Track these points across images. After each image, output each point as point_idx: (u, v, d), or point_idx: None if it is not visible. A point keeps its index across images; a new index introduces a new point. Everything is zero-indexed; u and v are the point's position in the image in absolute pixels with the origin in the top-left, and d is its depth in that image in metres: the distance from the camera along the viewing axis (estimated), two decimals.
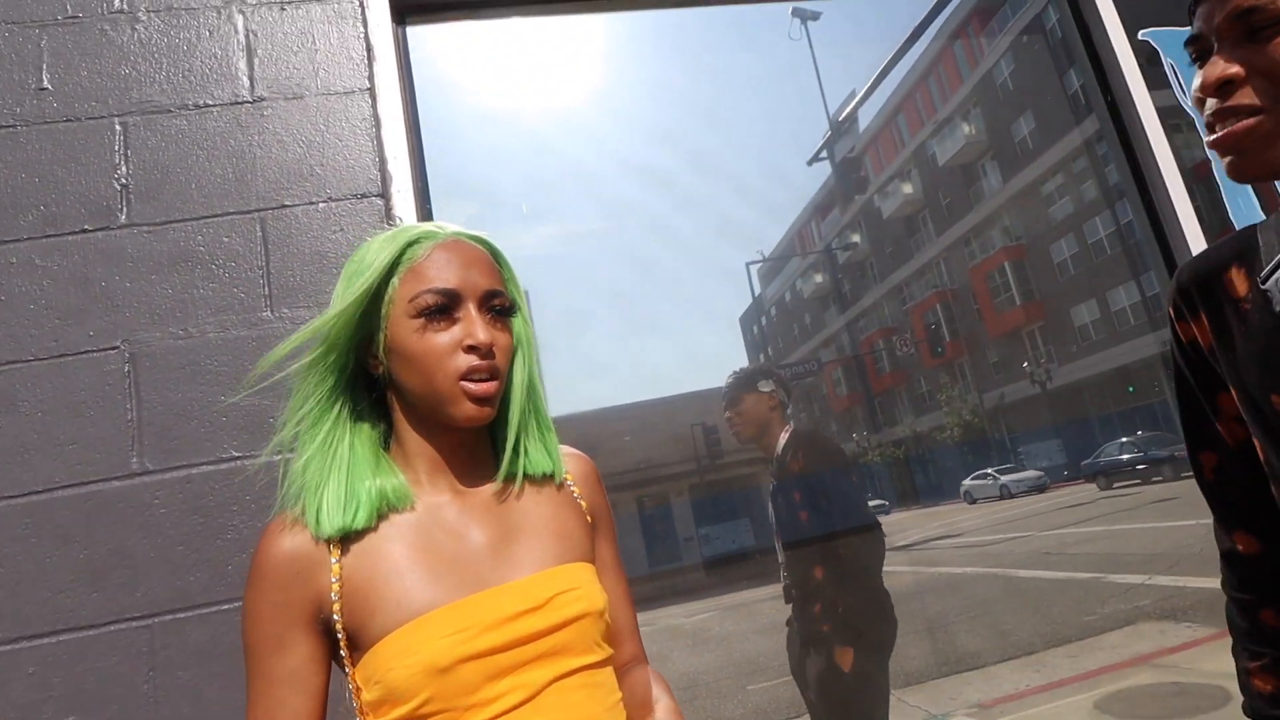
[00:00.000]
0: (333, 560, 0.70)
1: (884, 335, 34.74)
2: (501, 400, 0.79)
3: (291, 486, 0.74)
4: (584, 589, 0.74)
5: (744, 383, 2.31)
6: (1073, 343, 25.54)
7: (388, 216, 1.26)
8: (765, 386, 2.27)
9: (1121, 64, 1.83)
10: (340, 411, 0.76)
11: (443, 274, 0.75)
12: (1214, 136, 0.71)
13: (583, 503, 0.85)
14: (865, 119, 34.47)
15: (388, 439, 0.80)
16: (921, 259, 32.37)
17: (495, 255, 0.82)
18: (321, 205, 1.26)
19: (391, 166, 1.30)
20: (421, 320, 0.73)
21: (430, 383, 0.73)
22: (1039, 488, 19.17)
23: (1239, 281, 0.80)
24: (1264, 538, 0.86)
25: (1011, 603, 7.08)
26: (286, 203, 1.26)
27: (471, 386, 0.73)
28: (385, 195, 1.28)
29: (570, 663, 0.71)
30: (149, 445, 1.13)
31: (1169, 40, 1.92)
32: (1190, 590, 5.60)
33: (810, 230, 41.24)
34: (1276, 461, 0.77)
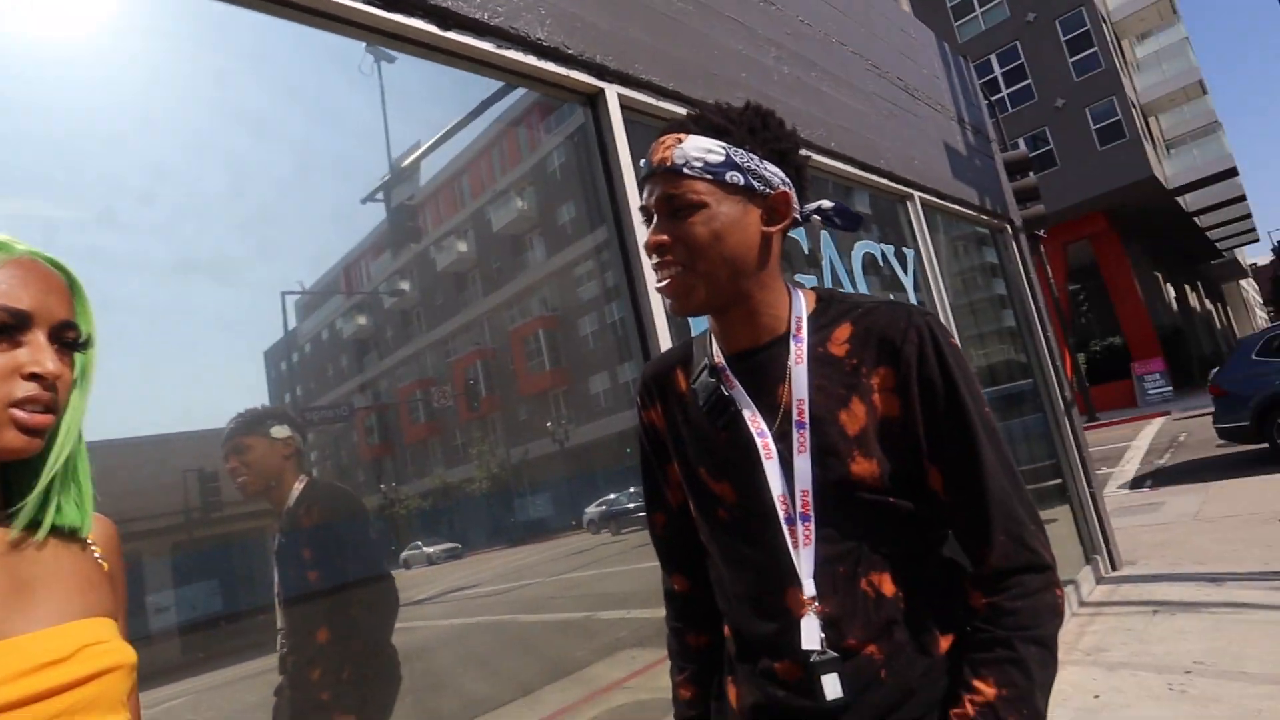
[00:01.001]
0: None
1: (423, 386, 34.97)
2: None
3: None
4: (112, 643, 0.71)
5: (253, 425, 1.99)
6: (588, 407, 29.21)
7: None
8: (279, 432, 2.00)
9: (627, 185, 2.18)
10: None
11: (14, 293, 0.68)
12: (659, 284, 0.93)
13: (104, 565, 0.80)
14: (428, 172, 35.15)
15: None
16: (468, 315, 33.73)
17: (73, 285, 0.76)
18: None
19: None
20: None
21: None
22: (455, 556, 21.06)
23: (681, 380, 1.05)
24: (692, 579, 1.11)
25: (515, 647, 7.53)
26: None
27: (23, 415, 0.67)
28: None
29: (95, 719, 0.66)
30: None
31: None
32: (655, 620, 6.66)
33: (359, 269, 39.87)
34: (702, 519, 1.01)
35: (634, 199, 2.22)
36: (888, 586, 0.90)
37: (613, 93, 2.24)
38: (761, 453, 0.92)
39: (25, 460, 0.72)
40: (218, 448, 2.02)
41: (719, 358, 1.00)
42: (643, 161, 0.95)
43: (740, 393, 0.96)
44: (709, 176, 0.90)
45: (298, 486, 2.01)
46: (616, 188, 2.22)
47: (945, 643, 0.91)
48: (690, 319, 2.22)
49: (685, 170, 0.92)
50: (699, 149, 0.91)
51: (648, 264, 2.16)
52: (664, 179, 0.92)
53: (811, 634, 0.88)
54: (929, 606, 0.91)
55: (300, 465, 2.06)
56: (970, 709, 0.84)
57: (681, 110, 2.41)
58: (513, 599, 10.49)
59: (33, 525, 0.73)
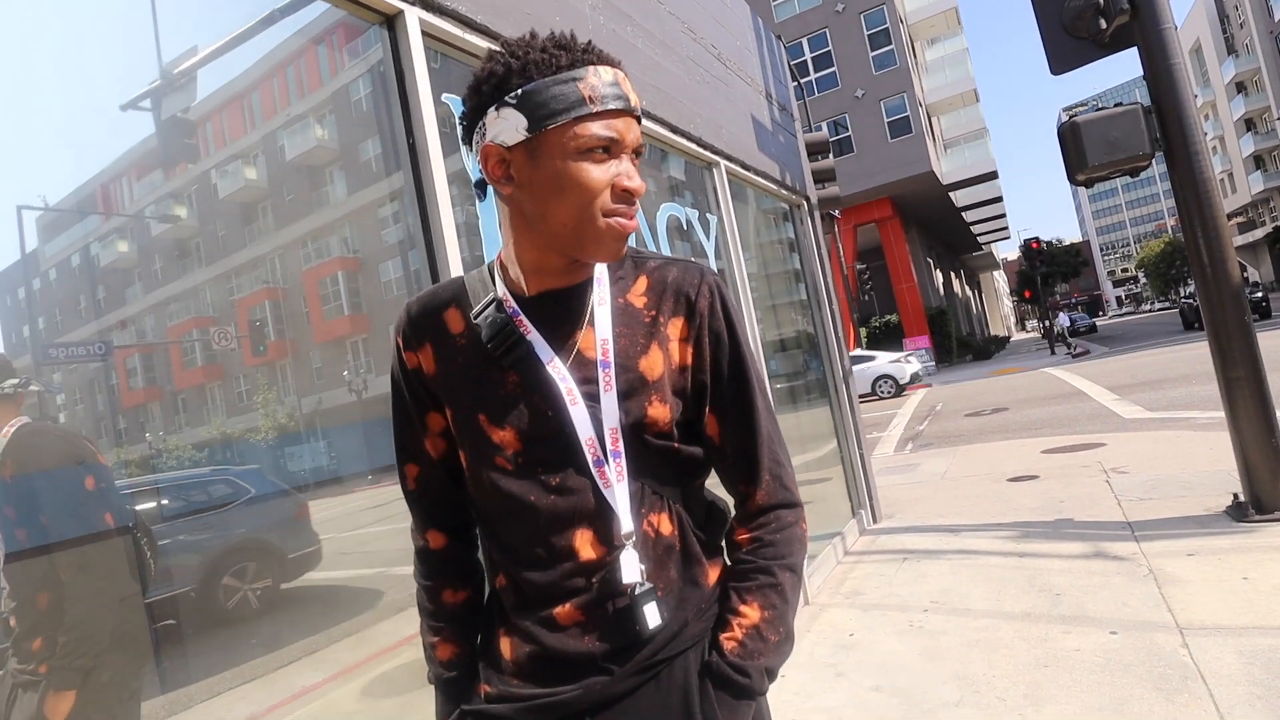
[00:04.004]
0: None
1: (200, 325, 31.53)
2: None
3: None
4: None
5: None
6: (388, 356, 27.85)
7: None
8: (8, 387, 1.80)
9: (425, 122, 2.04)
10: None
11: None
12: (621, 226, 0.89)
13: None
14: (209, 84, 31.25)
15: None
16: (256, 250, 30.74)
17: None
18: None
19: None
20: None
21: None
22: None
23: (454, 321, 1.00)
24: (451, 534, 1.08)
25: (309, 606, 7.14)
26: None
27: None
28: None
29: None
30: None
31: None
32: None
33: (119, 188, 34.80)
34: (477, 467, 0.97)
35: (433, 136, 2.08)
36: (665, 525, 0.95)
37: (414, 15, 2.07)
38: (565, 397, 0.92)
39: None
40: None
41: (508, 298, 0.97)
42: (605, 86, 0.86)
43: (536, 335, 0.95)
44: None
45: (6, 432, 1.78)
46: (415, 124, 2.07)
47: (712, 575, 0.99)
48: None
49: (640, 118, 0.94)
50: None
51: (446, 212, 2.05)
52: (635, 121, 0.91)
53: (632, 566, 0.90)
54: (697, 543, 0.98)
55: (13, 409, 1.81)
56: (739, 631, 0.92)
57: (487, 45, 2.28)
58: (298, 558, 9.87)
59: None
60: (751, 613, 0.93)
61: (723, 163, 4.26)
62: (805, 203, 5.86)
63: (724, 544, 1.04)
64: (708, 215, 4.06)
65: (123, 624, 1.82)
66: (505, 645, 0.98)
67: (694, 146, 3.91)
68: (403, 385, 1.05)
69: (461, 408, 0.98)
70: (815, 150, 6.60)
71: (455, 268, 1.99)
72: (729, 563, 1.01)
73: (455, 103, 2.18)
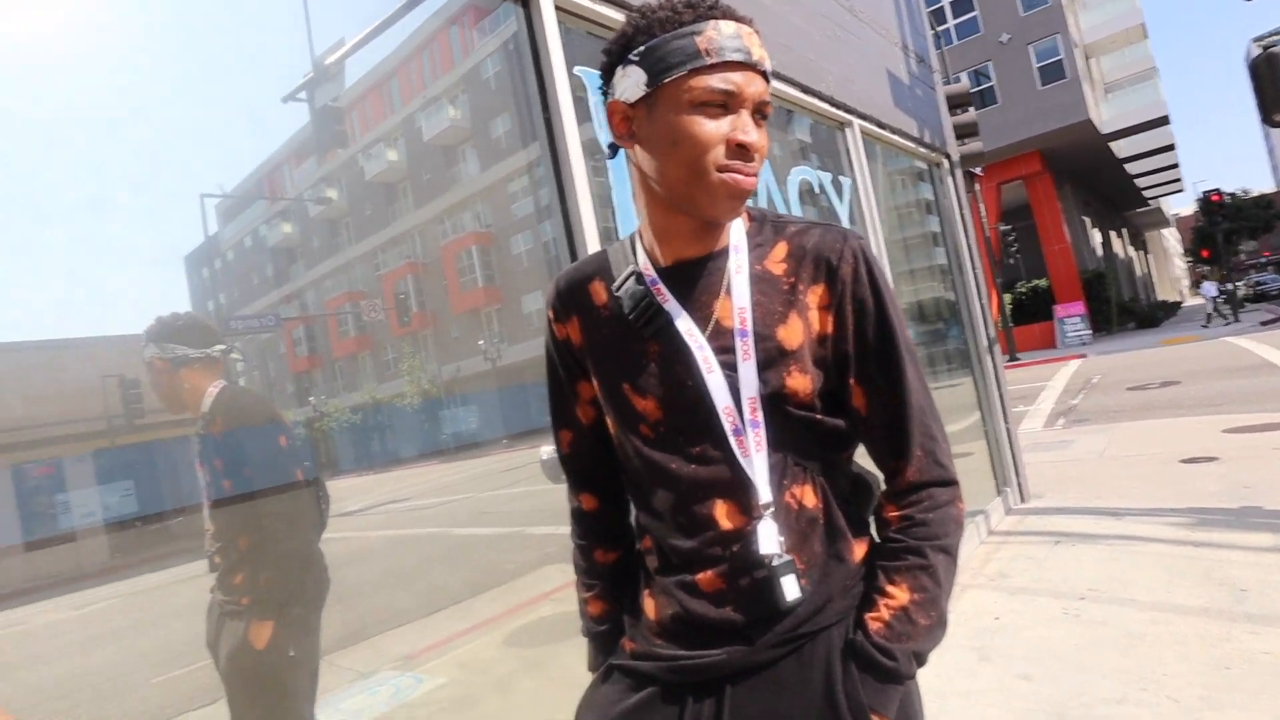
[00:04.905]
0: None
1: (352, 299, 34.00)
2: None
3: None
4: None
5: (191, 341, 2.00)
6: (521, 326, 28.97)
7: None
8: (216, 351, 2.03)
9: (560, 96, 2.07)
10: None
11: None
12: (741, 183, 0.88)
13: None
14: (355, 73, 33.23)
15: None
16: (398, 228, 32.67)
17: None
18: None
19: None
20: None
21: None
22: None
23: (599, 293, 1.02)
24: (602, 497, 1.12)
25: (447, 558, 7.65)
26: None
27: None
28: None
29: None
30: None
31: (595, 80, 2.24)
32: None
33: (283, 175, 37.82)
34: (624, 435, 1.00)
35: (568, 109, 2.11)
36: (809, 498, 0.94)
37: None
38: (701, 365, 0.92)
39: None
40: (139, 353, 2.00)
41: (648, 268, 0.98)
42: (724, 39, 0.86)
43: (675, 304, 0.95)
44: None
45: (212, 392, 2.01)
46: (550, 98, 2.10)
47: (858, 551, 0.96)
48: (623, 234, 2.16)
49: (769, 76, 0.92)
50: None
51: (582, 182, 2.08)
52: (761, 79, 0.90)
53: (769, 537, 0.90)
54: (843, 517, 0.96)
55: (215, 371, 2.04)
56: (885, 612, 0.90)
57: (619, 17, 2.28)
58: (444, 512, 10.60)
59: None
60: (900, 594, 0.90)
61: (856, 122, 4.08)
62: (945, 160, 5.52)
63: (871, 520, 1.01)
64: (840, 178, 3.91)
65: (309, 566, 2.04)
66: (650, 605, 1.00)
67: (825, 106, 3.76)
68: (555, 356, 1.08)
69: (607, 377, 1.00)
70: (956, 103, 6.18)
71: (591, 238, 2.02)
72: (877, 540, 0.98)
73: (587, 75, 2.20)
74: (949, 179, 5.51)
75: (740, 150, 0.87)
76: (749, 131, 0.87)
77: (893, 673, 0.88)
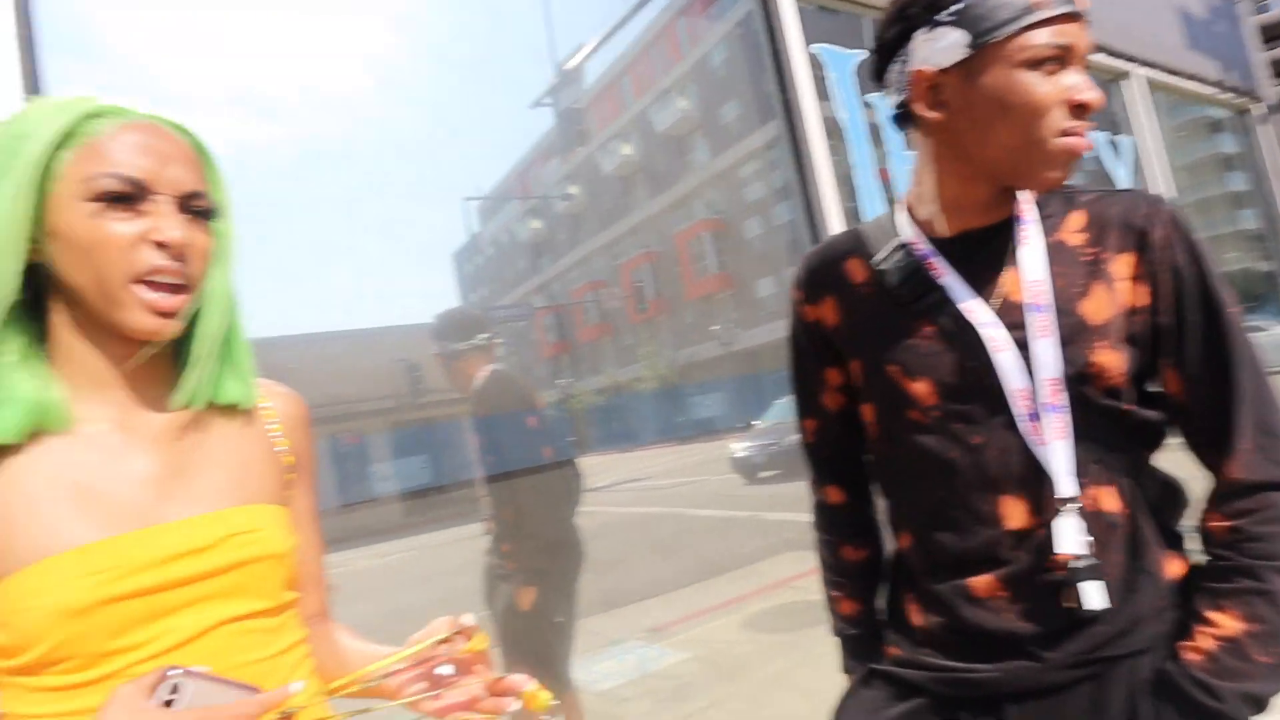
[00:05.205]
0: None
1: (594, 288, 36.19)
2: (193, 313, 0.69)
3: None
4: (264, 531, 0.69)
5: (464, 332, 2.27)
6: (755, 311, 28.98)
7: None
8: (481, 339, 2.28)
9: (798, 76, 2.04)
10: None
11: (133, 159, 0.63)
12: (1075, 147, 0.80)
13: (285, 443, 0.78)
14: (592, 74, 35.20)
15: (47, 342, 0.67)
16: (634, 219, 34.14)
17: (200, 150, 0.70)
18: None
19: None
20: (97, 205, 0.61)
21: (101, 280, 0.62)
22: None
23: (857, 271, 0.96)
24: (849, 490, 1.05)
25: (686, 538, 7.94)
26: None
27: (153, 296, 0.63)
28: None
29: (236, 607, 0.66)
30: None
31: (833, 57, 2.18)
32: None
33: (532, 175, 41.18)
34: (889, 423, 0.93)
35: (806, 88, 2.09)
36: (1109, 500, 0.83)
37: None
38: (989, 344, 0.83)
39: (187, 337, 0.70)
40: (420, 340, 2.36)
41: (918, 241, 0.90)
42: None
43: (954, 278, 0.87)
44: None
45: (480, 376, 2.27)
46: (787, 78, 2.09)
47: (1170, 568, 0.84)
48: (869, 213, 2.08)
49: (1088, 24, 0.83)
50: None
51: (821, 160, 2.06)
52: (1084, 27, 0.81)
53: (1069, 535, 0.79)
54: (1149, 525, 0.84)
55: (486, 357, 2.29)
56: (1210, 643, 0.77)
57: None
58: (682, 493, 11.01)
59: (192, 403, 0.70)
60: (1228, 622, 0.76)
61: (1138, 70, 3.56)
62: (1256, 105, 4.63)
63: (1179, 532, 0.88)
64: (1117, 137, 3.45)
65: (563, 539, 2.25)
66: (914, 611, 0.93)
67: (1099, 57, 3.34)
68: (802, 340, 1.03)
69: (869, 360, 0.93)
70: (1272, 35, 5.13)
71: (834, 218, 1.99)
72: (1200, 558, 0.85)
73: (826, 51, 2.16)
74: (1260, 128, 4.61)
75: (1080, 110, 0.79)
76: (1090, 89, 0.79)
77: (1216, 715, 0.75)
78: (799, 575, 4.97)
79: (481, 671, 0.68)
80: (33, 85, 1.05)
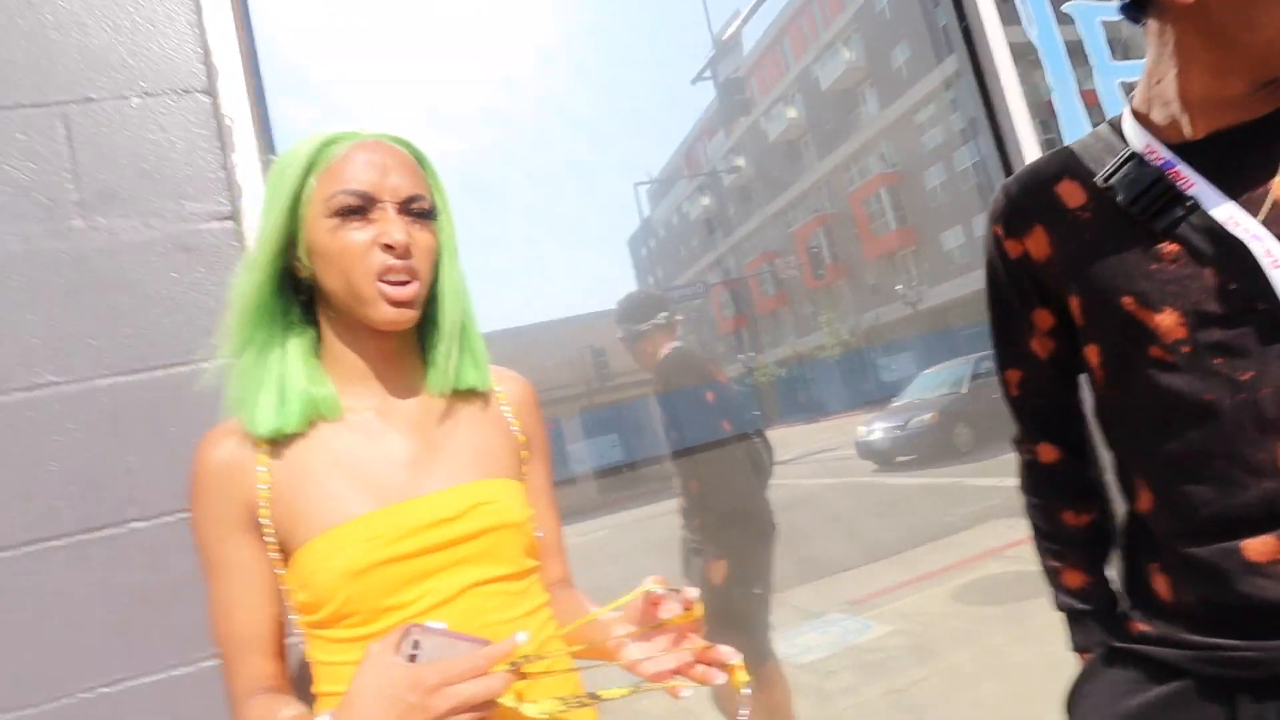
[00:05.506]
0: (260, 467, 0.73)
1: (768, 258, 35.63)
2: (431, 308, 0.79)
3: (230, 393, 0.76)
4: (503, 503, 0.77)
5: (643, 314, 2.33)
6: (942, 265, 27.11)
7: (216, 115, 1.11)
8: (662, 318, 2.32)
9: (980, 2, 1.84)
10: (273, 317, 0.76)
11: (360, 174, 0.73)
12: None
13: (516, 424, 0.87)
14: (749, 40, 34.36)
15: (320, 345, 0.80)
16: (804, 183, 33.10)
17: (419, 159, 0.80)
18: (136, 101, 1.09)
19: (217, 59, 1.13)
20: (337, 220, 0.73)
21: (349, 282, 0.73)
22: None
23: (1073, 193, 0.84)
24: (1065, 446, 0.94)
25: (882, 508, 7.64)
26: (92, 96, 1.07)
27: (389, 289, 0.73)
28: (212, 92, 1.12)
29: (485, 571, 0.74)
30: None
31: None
32: None
33: (698, 152, 41.15)
34: (1122, 363, 0.82)
35: (989, 12, 1.89)
36: None
37: None
38: (1261, 258, 0.71)
39: (425, 330, 0.81)
40: (604, 327, 2.49)
41: (1156, 148, 0.79)
42: None
43: (1206, 186, 0.76)
44: None
45: (662, 355, 2.31)
46: (968, 3, 1.90)
47: None
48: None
49: None
50: None
51: (1012, 89, 1.86)
52: None
53: None
54: None
55: (668, 336, 2.34)
56: None
57: None
58: (872, 462, 10.57)
59: (438, 389, 0.80)
60: None
61: None
62: None
63: None
64: None
65: (750, 509, 2.24)
66: (1160, 582, 0.83)
67: None
68: (1004, 280, 0.93)
69: (1095, 292, 0.82)
70: None
71: (1030, 151, 1.79)
72: None
73: None
74: None
75: None
76: None
77: None
78: (1008, 545, 4.62)
79: (695, 640, 0.71)
80: (264, 129, 1.19)
